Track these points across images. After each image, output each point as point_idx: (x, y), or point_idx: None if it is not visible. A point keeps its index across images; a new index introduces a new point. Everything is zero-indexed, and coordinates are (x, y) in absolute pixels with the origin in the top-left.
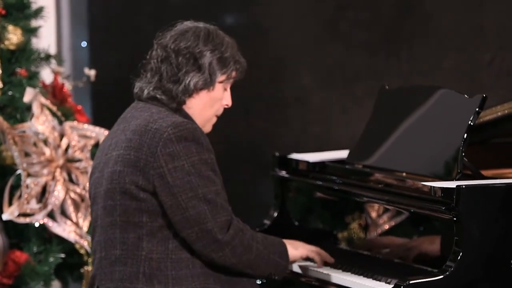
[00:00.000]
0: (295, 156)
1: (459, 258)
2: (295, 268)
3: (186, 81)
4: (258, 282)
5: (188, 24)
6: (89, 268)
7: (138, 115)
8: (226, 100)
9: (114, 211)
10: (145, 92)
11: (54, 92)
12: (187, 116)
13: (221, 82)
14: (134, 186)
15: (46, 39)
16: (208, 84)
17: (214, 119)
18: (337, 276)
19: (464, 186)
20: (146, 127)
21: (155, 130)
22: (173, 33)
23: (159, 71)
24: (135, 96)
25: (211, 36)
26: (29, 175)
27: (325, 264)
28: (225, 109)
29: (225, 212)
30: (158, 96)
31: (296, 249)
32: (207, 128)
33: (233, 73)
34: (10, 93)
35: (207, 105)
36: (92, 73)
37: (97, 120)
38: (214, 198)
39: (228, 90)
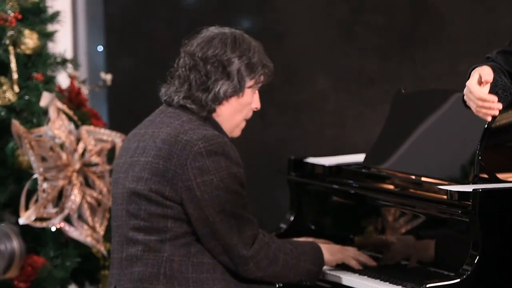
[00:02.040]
0: (311, 160)
1: (475, 261)
2: None
3: (216, 89)
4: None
5: (213, 30)
6: (106, 272)
7: (168, 121)
8: (255, 103)
9: (138, 215)
10: (175, 100)
11: (70, 97)
12: (216, 125)
13: (250, 87)
14: (160, 196)
15: (62, 43)
16: (238, 90)
17: (243, 124)
18: (353, 280)
19: (480, 190)
20: (176, 137)
21: (186, 142)
22: (200, 41)
23: (187, 80)
24: (164, 102)
25: (238, 42)
26: (45, 179)
27: (342, 268)
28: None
29: (251, 227)
30: (188, 105)
31: (333, 255)
32: (236, 132)
33: (262, 78)
34: (26, 97)
35: (237, 111)
36: (108, 77)
37: (114, 124)
38: (241, 212)
39: (257, 93)
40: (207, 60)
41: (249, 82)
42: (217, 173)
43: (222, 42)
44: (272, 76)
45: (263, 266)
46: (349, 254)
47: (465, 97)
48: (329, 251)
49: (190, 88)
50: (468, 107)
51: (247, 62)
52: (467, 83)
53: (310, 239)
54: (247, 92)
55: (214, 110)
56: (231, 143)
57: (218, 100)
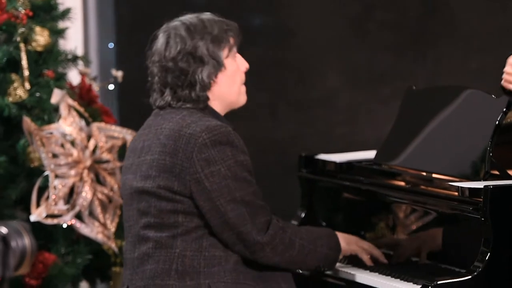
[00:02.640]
0: (322, 156)
1: (487, 258)
2: None
3: (199, 79)
4: None
5: (164, 29)
6: (117, 269)
7: (169, 117)
8: (242, 65)
9: (148, 212)
10: (167, 105)
11: (81, 94)
12: (216, 115)
13: (227, 57)
14: (169, 191)
15: (73, 40)
16: (218, 67)
17: (244, 88)
18: (364, 277)
19: (491, 186)
20: (180, 132)
21: (189, 135)
22: (159, 46)
23: (167, 85)
24: (159, 108)
25: (191, 27)
26: (56, 176)
27: (353, 264)
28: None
29: (264, 213)
30: (183, 106)
31: (348, 245)
32: (242, 100)
33: (231, 41)
34: (37, 94)
35: (230, 83)
36: (119, 74)
37: (124, 121)
38: (252, 199)
39: (238, 55)
40: (175, 59)
41: (224, 53)
42: (224, 162)
43: (179, 36)
44: (240, 32)
45: (279, 252)
46: (364, 247)
47: (503, 82)
48: (345, 239)
49: (175, 91)
50: (508, 93)
51: (210, 38)
52: (505, 70)
53: None
54: (228, 62)
55: (208, 97)
56: (235, 131)
57: (207, 86)
